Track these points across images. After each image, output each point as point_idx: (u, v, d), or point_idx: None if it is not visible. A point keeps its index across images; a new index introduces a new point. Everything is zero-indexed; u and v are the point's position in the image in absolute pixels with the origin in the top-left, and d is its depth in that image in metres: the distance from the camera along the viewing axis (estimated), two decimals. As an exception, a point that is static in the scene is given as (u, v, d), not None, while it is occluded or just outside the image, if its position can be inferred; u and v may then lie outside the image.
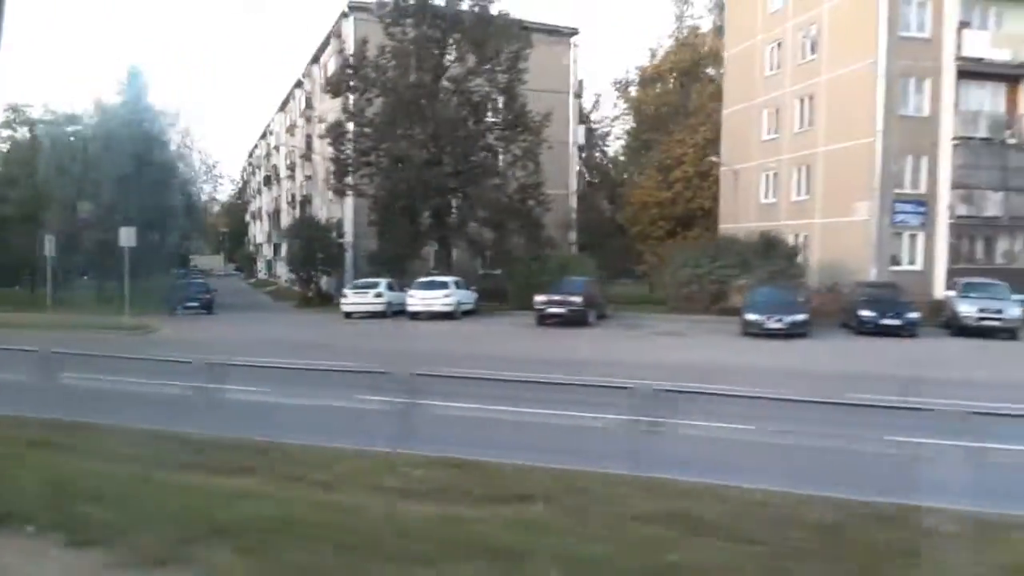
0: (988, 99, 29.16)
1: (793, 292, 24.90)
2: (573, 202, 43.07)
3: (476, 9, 33.00)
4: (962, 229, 28.47)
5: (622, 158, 45.76)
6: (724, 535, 5.18)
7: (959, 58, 27.94)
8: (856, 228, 28.84)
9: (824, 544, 5.05)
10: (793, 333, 22.26)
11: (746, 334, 22.95)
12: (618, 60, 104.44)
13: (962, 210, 28.11)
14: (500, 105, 33.72)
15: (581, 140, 44.16)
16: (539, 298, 25.42)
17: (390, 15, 32.26)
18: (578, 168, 44.51)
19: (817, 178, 31.14)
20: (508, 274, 32.84)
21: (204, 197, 76.16)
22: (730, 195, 36.78)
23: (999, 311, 22.75)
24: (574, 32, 43.15)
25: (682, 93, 43.90)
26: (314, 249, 38.11)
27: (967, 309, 23.05)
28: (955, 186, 28.13)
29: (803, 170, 31.96)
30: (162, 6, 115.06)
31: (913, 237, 28.76)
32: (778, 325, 22.34)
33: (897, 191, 28.43)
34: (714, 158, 37.06)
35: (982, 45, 27.94)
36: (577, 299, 25.07)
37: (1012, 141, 28.71)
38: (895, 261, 28.58)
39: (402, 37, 32.26)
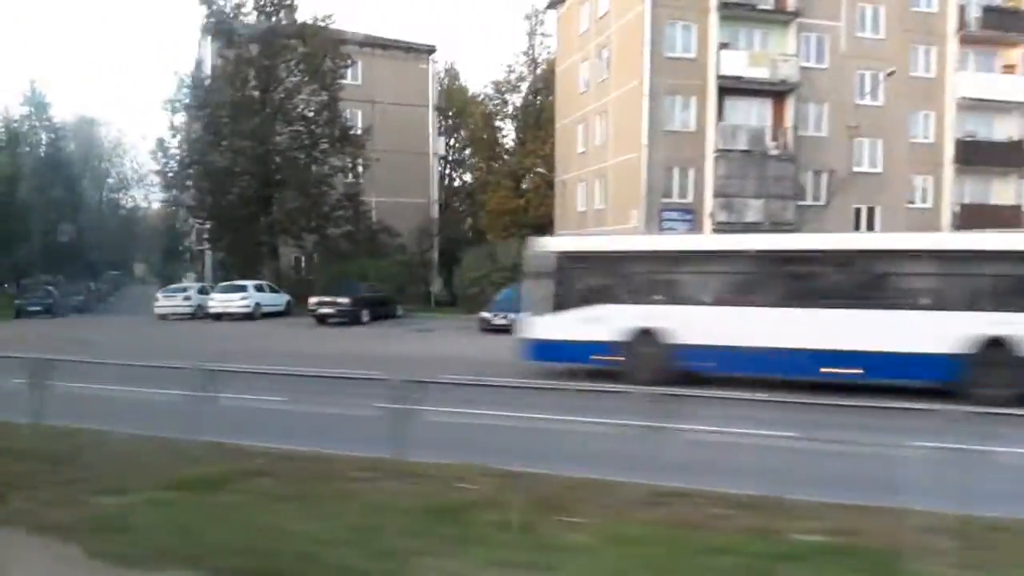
0: (754, 114, 31.52)
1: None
2: (435, 210, 45.41)
3: (305, 29, 35.38)
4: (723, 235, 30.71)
5: (480, 167, 48.02)
6: None
7: (720, 77, 30.28)
8: (632, 235, 31.09)
9: None
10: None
11: (482, 330, 25.25)
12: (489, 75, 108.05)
13: (723, 216, 30.38)
14: (323, 120, 35.91)
15: (442, 151, 46.56)
16: (312, 300, 27.70)
17: (221, 37, 34.66)
18: (440, 177, 46.91)
19: (609, 188, 33.47)
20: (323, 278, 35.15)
21: (140, 203, 78.41)
22: (561, 204, 39.17)
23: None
24: (432, 49, 45.56)
25: (535, 107, 46.33)
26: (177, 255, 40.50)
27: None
28: (717, 195, 30.45)
29: (601, 181, 34.28)
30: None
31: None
32: (503, 321, 24.61)
33: (665, 200, 30.72)
34: (539, 169, 39.38)
35: (740, 64, 30.28)
36: (345, 300, 27.32)
37: (774, 152, 31.04)
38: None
39: (233, 57, 34.63)
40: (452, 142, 50.15)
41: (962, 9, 33.23)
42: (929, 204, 33.61)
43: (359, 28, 42.86)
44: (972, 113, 33.58)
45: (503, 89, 46.97)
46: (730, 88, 30.74)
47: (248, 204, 34.55)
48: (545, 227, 43.21)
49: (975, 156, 33.33)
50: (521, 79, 46.25)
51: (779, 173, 30.98)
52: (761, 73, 30.49)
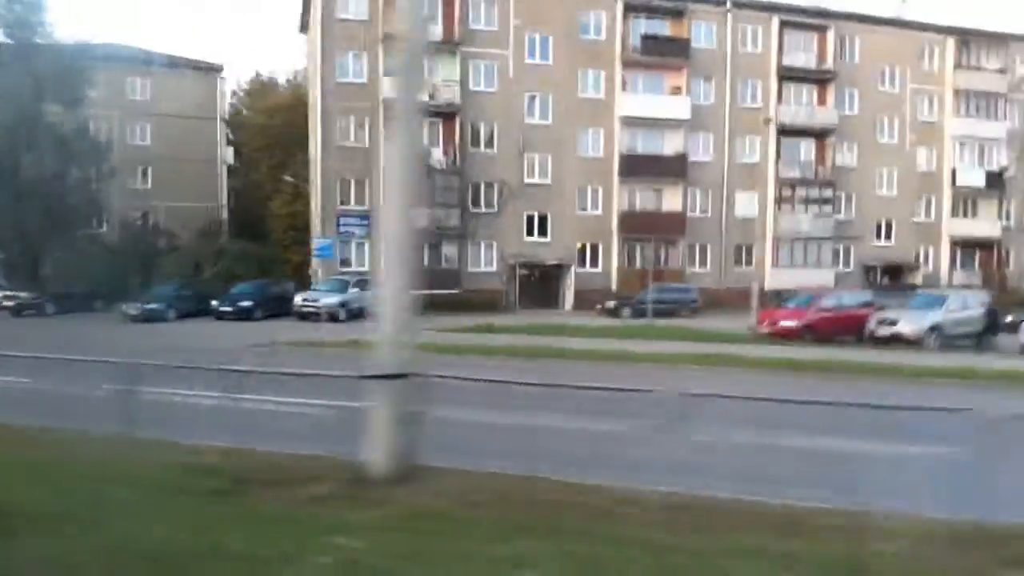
0: (425, 132, 35.60)
1: (269, 287, 31.81)
2: (224, 214, 49.46)
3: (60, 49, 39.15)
4: (393, 238, 34.86)
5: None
6: None
7: (385, 100, 34.36)
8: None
9: None
10: (243, 317, 28.84)
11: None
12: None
13: (390, 223, 34.47)
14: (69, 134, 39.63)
15: (230, 160, 50.61)
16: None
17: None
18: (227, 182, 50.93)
19: (315, 196, 37.46)
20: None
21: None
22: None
23: (316, 300, 29.29)
24: (220, 67, 49.61)
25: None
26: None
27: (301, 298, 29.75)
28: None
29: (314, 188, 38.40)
30: None
31: (360, 245, 35.14)
32: (229, 309, 28.94)
33: (344, 207, 34.85)
34: (288, 177, 43.43)
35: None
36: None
37: (441, 166, 35.21)
38: (346, 263, 34.91)
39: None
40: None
41: (625, 37, 37.48)
42: (600, 211, 37.81)
43: (150, 46, 47.07)
44: (640, 129, 37.82)
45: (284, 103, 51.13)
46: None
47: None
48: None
49: (639, 168, 37.54)
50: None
51: (445, 184, 35.14)
52: (420, 97, 34.54)
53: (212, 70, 49.37)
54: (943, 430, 7.02)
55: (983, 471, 5.81)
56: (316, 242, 26.28)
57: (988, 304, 24.37)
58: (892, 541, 5.45)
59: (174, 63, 48.23)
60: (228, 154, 50.07)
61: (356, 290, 30.40)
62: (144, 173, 46.86)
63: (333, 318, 28.73)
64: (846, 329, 23.29)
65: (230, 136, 51.36)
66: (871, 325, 22.73)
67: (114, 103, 45.81)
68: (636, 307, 32.87)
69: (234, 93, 58.07)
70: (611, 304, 33.52)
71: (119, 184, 45.02)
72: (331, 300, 29.36)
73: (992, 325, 23.33)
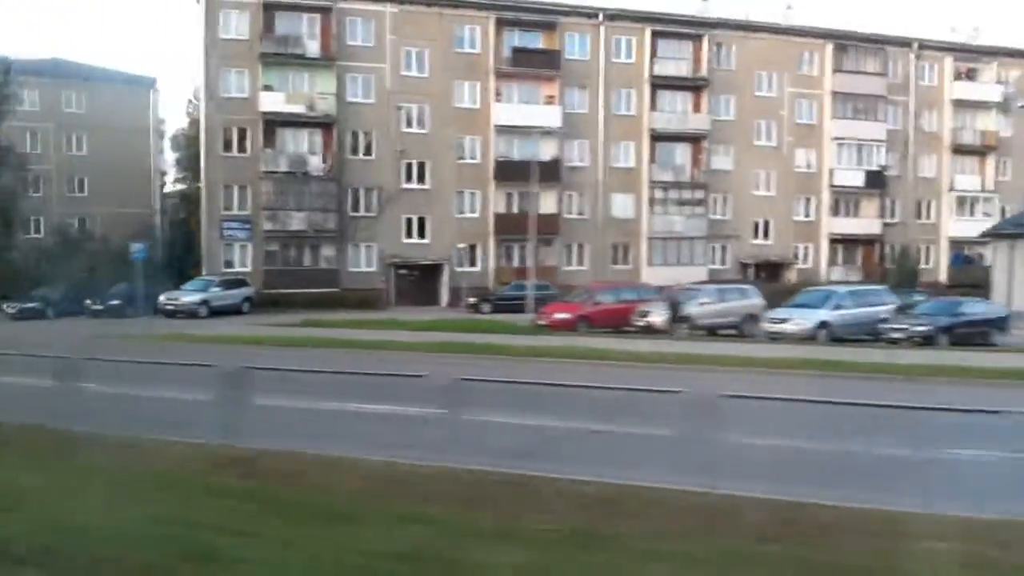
0: (305, 142, 38.35)
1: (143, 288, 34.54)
2: (157, 219, 52.62)
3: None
4: (273, 240, 37.63)
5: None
6: None
7: (263, 112, 37.10)
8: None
9: None
10: (114, 315, 31.00)
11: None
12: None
13: (270, 226, 37.23)
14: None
15: (164, 168, 53.81)
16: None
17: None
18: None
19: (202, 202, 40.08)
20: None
21: None
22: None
23: (176, 298, 32.04)
24: (152, 81, 52.79)
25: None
26: None
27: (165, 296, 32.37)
28: (265, 208, 37.30)
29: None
30: None
31: (243, 247, 37.89)
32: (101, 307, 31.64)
33: (227, 212, 37.62)
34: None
35: (279, 102, 37.12)
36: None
37: (318, 173, 37.84)
38: (229, 265, 37.68)
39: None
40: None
41: (498, 50, 39.86)
42: (477, 214, 40.24)
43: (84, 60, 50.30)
44: (515, 137, 40.14)
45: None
46: (281, 121, 37.58)
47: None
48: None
49: (514, 173, 39.83)
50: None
51: (322, 190, 37.78)
52: (298, 109, 37.31)
53: (145, 83, 52.51)
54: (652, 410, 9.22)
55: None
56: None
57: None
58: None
59: (108, 77, 51.49)
60: (162, 162, 53.24)
61: (218, 289, 33.18)
62: (81, 182, 50.07)
63: (193, 315, 31.43)
64: (617, 320, 25.53)
65: (180, 143, 54.40)
66: (634, 316, 25.01)
67: (50, 115, 49.26)
68: (495, 302, 35.40)
69: (190, 102, 60.68)
70: (472, 300, 35.99)
71: (56, 192, 48.56)
72: (191, 299, 32.12)
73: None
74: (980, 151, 47.62)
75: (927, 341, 21.90)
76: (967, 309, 23.82)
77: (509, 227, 39.82)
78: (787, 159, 44.38)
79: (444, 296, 39.61)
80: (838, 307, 23.88)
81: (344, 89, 38.41)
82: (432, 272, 39.85)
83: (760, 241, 44.40)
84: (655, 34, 42.01)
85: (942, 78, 46.97)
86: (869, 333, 23.23)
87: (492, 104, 39.90)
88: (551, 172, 40.22)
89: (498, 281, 39.41)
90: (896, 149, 46.12)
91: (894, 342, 22.03)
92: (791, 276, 43.49)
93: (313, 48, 37.88)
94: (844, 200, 45.35)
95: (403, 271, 39.58)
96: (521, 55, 39.96)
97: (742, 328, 25.24)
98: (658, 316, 24.55)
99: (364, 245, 38.99)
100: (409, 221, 39.53)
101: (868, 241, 45.56)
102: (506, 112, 39.79)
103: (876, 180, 45.03)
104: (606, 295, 27.25)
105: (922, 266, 44.94)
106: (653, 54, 42.05)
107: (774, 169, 44.22)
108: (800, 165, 44.71)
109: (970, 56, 47.55)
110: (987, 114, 47.62)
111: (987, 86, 47.45)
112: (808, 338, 22.67)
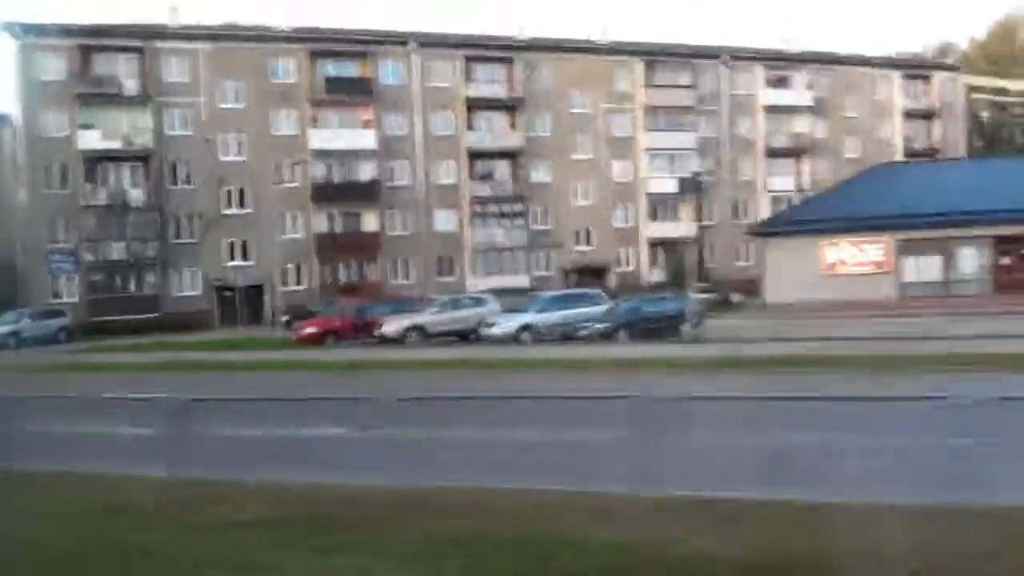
0: (127, 175, 40.47)
1: None
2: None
3: None
4: (96, 271, 39.67)
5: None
6: None
7: (82, 150, 39.10)
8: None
9: None
10: None
11: None
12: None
13: (91, 257, 39.31)
14: None
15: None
16: None
17: None
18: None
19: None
20: None
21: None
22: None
23: None
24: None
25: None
26: None
27: None
28: (88, 240, 39.38)
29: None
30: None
31: (70, 279, 39.93)
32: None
33: (52, 245, 39.61)
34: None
35: (96, 139, 39.20)
36: None
37: (137, 204, 39.97)
38: (57, 295, 39.64)
39: None
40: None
41: (312, 79, 42.26)
42: (299, 235, 42.59)
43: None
44: (334, 160, 42.59)
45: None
46: (99, 157, 39.63)
47: None
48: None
49: (334, 195, 42.33)
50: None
51: (143, 220, 39.91)
52: (116, 144, 39.43)
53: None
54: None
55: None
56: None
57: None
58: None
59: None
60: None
61: (29, 321, 35.24)
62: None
63: (2, 346, 33.49)
64: (360, 333, 27.96)
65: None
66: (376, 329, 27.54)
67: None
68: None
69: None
70: (285, 318, 38.28)
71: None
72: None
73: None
74: (795, 153, 50.81)
75: (607, 337, 24.69)
76: (649, 307, 26.46)
77: (331, 246, 42.26)
78: (604, 170, 47.21)
79: (269, 315, 41.87)
80: (542, 311, 26.62)
81: (162, 123, 40.56)
82: (256, 292, 42.08)
83: (583, 248, 47.19)
84: (468, 58, 44.61)
85: (755, 86, 50.07)
86: (567, 333, 25.86)
87: (308, 130, 42.25)
88: (371, 192, 42.76)
89: (324, 299, 41.73)
90: (712, 155, 49.14)
91: (582, 339, 24.84)
92: (611, 280, 46.30)
93: (131, 86, 40.04)
94: (661, 206, 48.28)
95: (227, 293, 41.76)
96: (334, 83, 42.40)
97: (468, 335, 27.77)
98: (390, 327, 27.11)
99: (187, 270, 41.16)
100: (232, 244, 41.74)
101: (684, 243, 48.49)
102: (323, 137, 42.20)
103: (690, 186, 47.91)
104: (353, 310, 29.76)
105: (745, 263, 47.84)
106: (468, 77, 44.67)
107: (592, 180, 47.03)
108: (618, 175, 47.57)
109: (780, 64, 50.71)
110: (801, 118, 50.81)
111: (798, 92, 50.63)
112: (513, 339, 25.45)
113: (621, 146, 47.41)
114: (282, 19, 45.34)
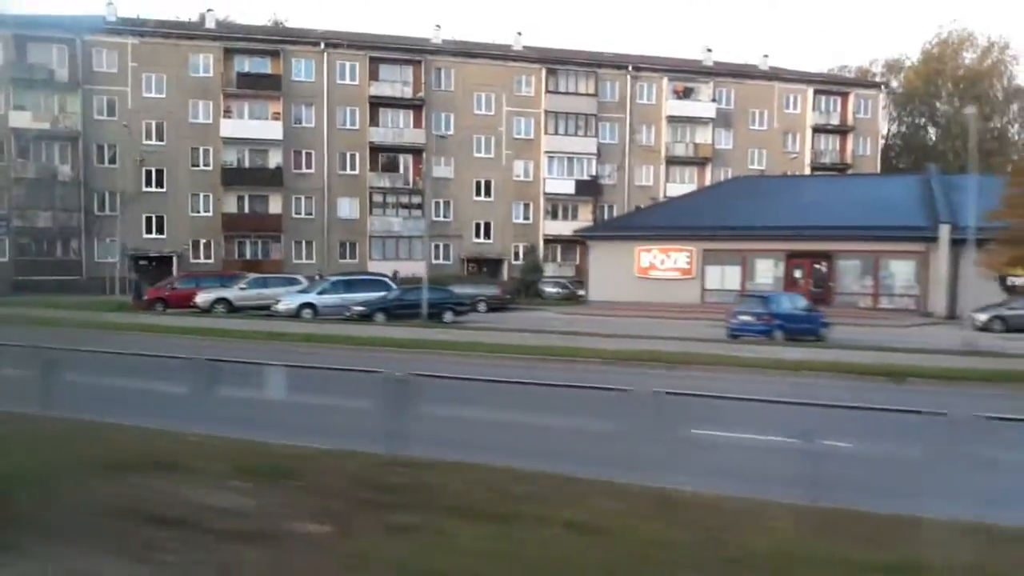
0: (57, 153, 45.37)
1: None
2: None
3: None
4: (25, 235, 44.67)
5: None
6: None
7: (13, 128, 44.08)
8: None
9: None
10: None
11: None
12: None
13: (20, 223, 44.32)
14: None
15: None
16: None
17: None
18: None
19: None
20: None
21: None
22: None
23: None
24: None
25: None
26: None
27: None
28: (15, 207, 44.41)
29: None
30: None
31: (0, 241, 45.05)
32: None
33: (-16, 212, 44.75)
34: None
35: (27, 120, 44.18)
36: None
37: (63, 178, 44.86)
38: (-11, 257, 44.79)
39: None
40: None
41: (227, 73, 46.55)
42: (210, 213, 46.97)
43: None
44: (245, 147, 46.86)
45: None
46: (31, 136, 44.61)
47: None
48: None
49: (242, 179, 46.63)
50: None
51: (65, 193, 44.78)
52: (44, 126, 44.34)
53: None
54: None
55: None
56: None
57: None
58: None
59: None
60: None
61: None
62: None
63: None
64: (185, 302, 31.98)
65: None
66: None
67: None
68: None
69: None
70: (138, 286, 42.46)
71: None
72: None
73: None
74: (696, 162, 53.20)
75: (364, 318, 28.22)
76: (410, 296, 29.57)
77: (236, 225, 46.55)
78: (506, 169, 50.44)
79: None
80: (323, 292, 30.25)
81: (90, 108, 45.34)
82: (168, 263, 46.59)
83: (481, 240, 50.51)
84: (374, 59, 48.36)
85: (660, 96, 52.62)
86: (340, 313, 29.40)
87: (221, 120, 46.57)
88: (276, 178, 46.89)
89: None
90: (612, 160, 51.91)
91: (348, 319, 28.42)
92: (505, 272, 49.55)
93: (62, 74, 44.90)
94: (560, 205, 51.26)
95: (142, 262, 46.35)
96: (246, 78, 46.65)
97: (271, 308, 31.41)
98: (201, 298, 31.09)
99: (108, 239, 45.80)
100: (149, 219, 46.34)
101: (581, 241, 51.35)
102: (232, 127, 46.46)
103: (588, 188, 50.89)
104: (185, 283, 33.82)
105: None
106: (373, 76, 48.42)
107: (493, 177, 50.30)
108: (519, 174, 50.72)
109: (686, 76, 53.13)
110: (704, 128, 53.17)
111: (703, 103, 52.97)
112: (294, 315, 29.14)
113: (523, 147, 50.53)
114: (206, 17, 49.45)
